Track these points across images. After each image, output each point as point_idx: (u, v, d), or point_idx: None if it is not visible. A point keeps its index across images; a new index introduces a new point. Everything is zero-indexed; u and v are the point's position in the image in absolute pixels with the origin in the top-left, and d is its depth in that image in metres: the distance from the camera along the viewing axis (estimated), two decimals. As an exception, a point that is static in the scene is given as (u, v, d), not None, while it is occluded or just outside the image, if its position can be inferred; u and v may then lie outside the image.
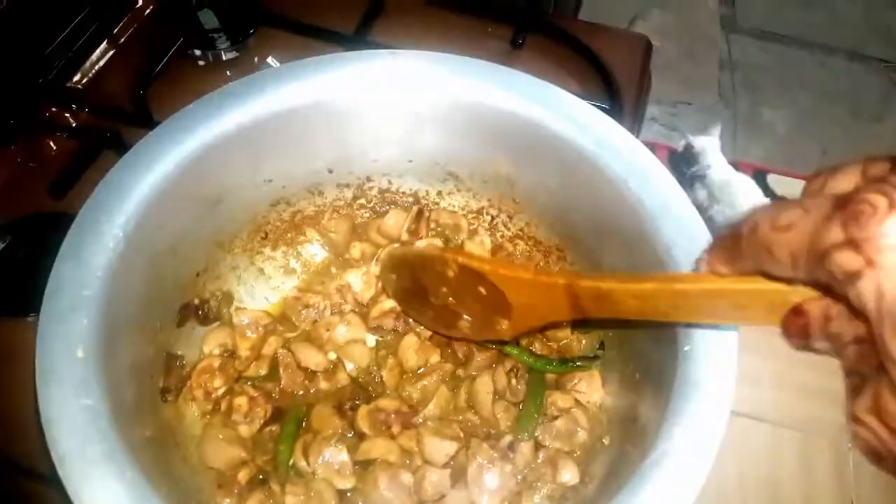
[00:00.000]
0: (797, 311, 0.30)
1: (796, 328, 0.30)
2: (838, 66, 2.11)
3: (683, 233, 0.46)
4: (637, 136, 0.82)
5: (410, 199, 0.64)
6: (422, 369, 0.58)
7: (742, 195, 1.68)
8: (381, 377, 0.57)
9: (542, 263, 0.61)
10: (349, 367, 0.56)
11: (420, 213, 0.61)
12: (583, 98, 0.76)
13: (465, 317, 0.51)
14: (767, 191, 1.79)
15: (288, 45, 0.81)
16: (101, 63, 0.82)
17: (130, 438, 0.40)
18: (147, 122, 0.74)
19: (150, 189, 0.47)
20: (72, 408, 0.38)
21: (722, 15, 2.17)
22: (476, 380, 0.56)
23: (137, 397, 0.47)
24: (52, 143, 0.75)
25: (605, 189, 0.51)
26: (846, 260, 0.23)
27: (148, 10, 0.85)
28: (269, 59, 0.82)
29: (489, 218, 0.63)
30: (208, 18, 0.81)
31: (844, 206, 0.23)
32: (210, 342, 0.56)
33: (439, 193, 0.63)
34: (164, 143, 0.48)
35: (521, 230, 0.62)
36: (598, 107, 0.74)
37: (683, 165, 1.72)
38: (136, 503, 0.36)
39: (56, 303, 0.41)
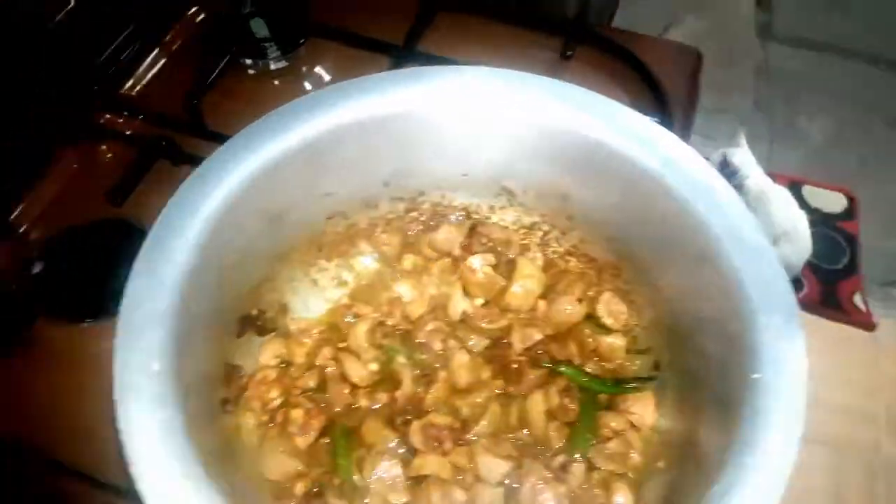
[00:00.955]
0: None
1: None
2: (876, 75, 2.07)
3: (752, 258, 0.46)
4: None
5: (462, 214, 0.64)
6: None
7: (777, 206, 1.66)
8: (424, 395, 0.57)
9: (595, 281, 0.61)
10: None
11: (473, 228, 0.61)
12: (633, 112, 0.76)
13: None
14: (802, 202, 1.76)
15: (337, 55, 0.82)
16: (154, 71, 0.83)
17: (200, 451, 0.41)
18: (200, 130, 0.75)
19: (217, 206, 0.47)
20: (150, 421, 0.38)
21: (758, 21, 2.14)
22: (528, 398, 0.55)
23: (202, 409, 0.47)
24: (107, 150, 0.77)
25: (669, 208, 0.50)
26: None
27: (199, 18, 0.86)
28: (318, 69, 0.83)
29: (541, 233, 0.63)
30: (259, 27, 0.83)
31: None
32: (266, 352, 0.57)
33: (491, 208, 0.63)
34: (230, 161, 0.49)
35: (574, 246, 0.62)
36: (650, 122, 0.73)
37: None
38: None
39: (132, 317, 0.42)
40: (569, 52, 0.80)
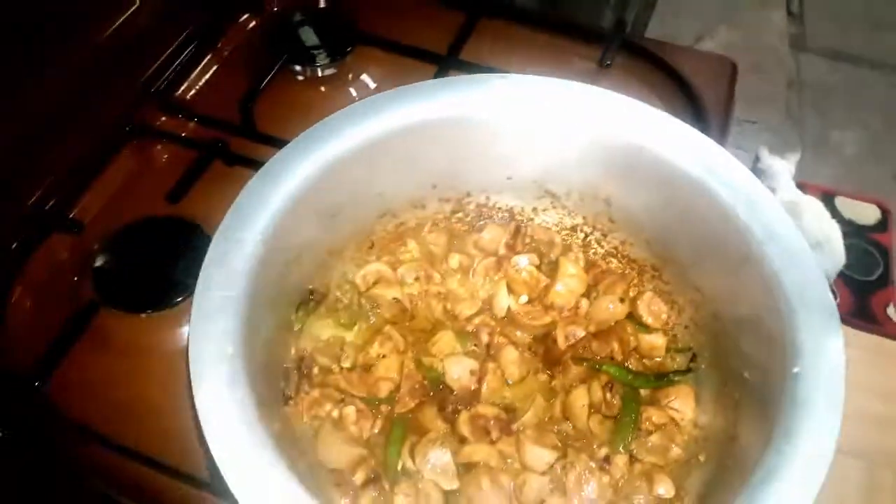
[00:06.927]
0: None
1: None
2: (910, 88, 2.06)
3: (792, 261, 0.47)
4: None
5: (506, 215, 0.66)
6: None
7: (810, 217, 1.65)
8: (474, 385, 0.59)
9: (635, 282, 0.63)
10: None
11: (517, 229, 0.64)
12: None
13: None
14: (835, 213, 1.75)
15: (383, 63, 0.85)
16: (207, 76, 0.86)
17: (270, 433, 0.43)
18: (252, 133, 0.78)
19: (282, 202, 0.50)
20: (226, 402, 0.41)
21: (791, 34, 2.14)
22: (571, 392, 0.57)
23: (267, 397, 0.50)
24: (162, 150, 0.80)
25: (710, 213, 0.52)
26: None
27: (251, 25, 0.90)
28: (364, 77, 0.86)
29: (583, 235, 0.65)
30: (308, 35, 0.86)
31: None
32: (324, 332, 0.59)
33: (534, 210, 0.65)
34: (292, 162, 0.52)
35: (615, 248, 0.64)
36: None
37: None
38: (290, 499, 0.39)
39: (206, 304, 0.45)
40: (607, 62, 0.83)
